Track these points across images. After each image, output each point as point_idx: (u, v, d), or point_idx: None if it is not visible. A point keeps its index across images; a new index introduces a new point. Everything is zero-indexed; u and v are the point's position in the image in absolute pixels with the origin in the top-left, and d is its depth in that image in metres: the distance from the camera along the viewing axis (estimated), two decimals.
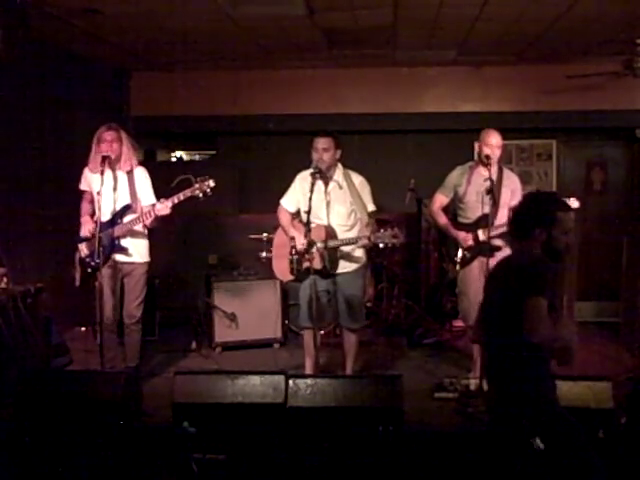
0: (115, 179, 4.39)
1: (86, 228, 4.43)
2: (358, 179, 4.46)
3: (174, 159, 9.09)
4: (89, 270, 4.41)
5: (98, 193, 4.15)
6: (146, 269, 4.56)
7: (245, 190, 7.28)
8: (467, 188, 4.60)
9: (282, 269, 4.52)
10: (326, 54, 6.42)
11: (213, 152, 8.35)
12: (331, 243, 4.26)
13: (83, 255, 4.46)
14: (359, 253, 4.46)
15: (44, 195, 5.62)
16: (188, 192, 4.24)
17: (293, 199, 4.51)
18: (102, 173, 4.20)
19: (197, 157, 9.50)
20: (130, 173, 4.47)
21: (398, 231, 4.03)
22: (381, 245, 4.07)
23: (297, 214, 4.52)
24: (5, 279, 4.27)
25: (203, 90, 7.17)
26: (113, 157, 4.35)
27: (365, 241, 4.18)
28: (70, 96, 6.14)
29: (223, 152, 7.80)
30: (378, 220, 4.57)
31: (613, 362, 5.09)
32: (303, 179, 4.43)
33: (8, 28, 3.99)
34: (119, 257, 4.42)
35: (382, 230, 4.06)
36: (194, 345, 5.72)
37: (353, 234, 4.38)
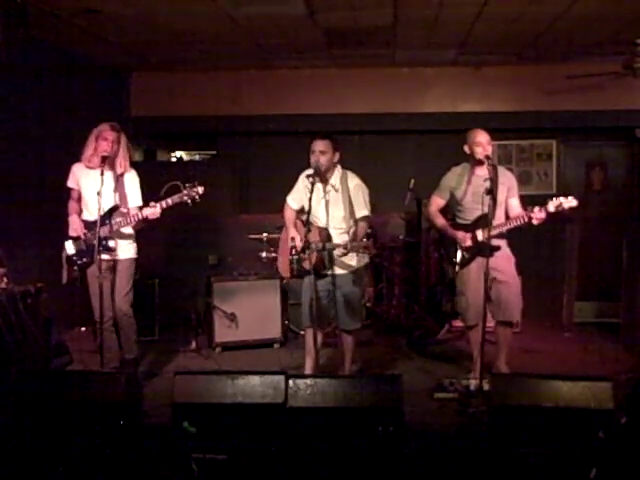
0: (116, 179, 4.42)
1: (74, 228, 4.45)
2: (353, 182, 4.40)
3: (174, 159, 9.09)
4: (75, 268, 4.43)
5: (98, 193, 4.16)
6: (129, 264, 4.57)
7: (245, 190, 7.28)
8: (467, 189, 4.58)
9: (282, 265, 4.60)
10: (326, 54, 6.42)
11: (213, 152, 8.36)
12: (328, 245, 4.24)
13: (70, 253, 4.47)
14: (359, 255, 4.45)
15: (44, 195, 5.61)
16: (176, 198, 4.30)
17: (297, 197, 4.53)
18: (102, 173, 4.21)
19: (197, 157, 9.50)
20: (121, 175, 4.50)
21: (369, 242, 4.00)
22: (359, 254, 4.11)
23: (301, 212, 4.53)
24: (5, 279, 4.26)
25: (203, 90, 7.18)
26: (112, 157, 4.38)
27: (342, 250, 4.10)
28: (70, 96, 6.14)
29: (223, 152, 7.81)
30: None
31: (613, 362, 5.09)
32: (306, 177, 4.43)
33: (8, 28, 3.99)
34: (104, 256, 4.40)
35: (354, 241, 4.07)
36: (194, 345, 5.72)
37: (349, 237, 4.36)
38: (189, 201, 4.28)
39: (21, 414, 3.31)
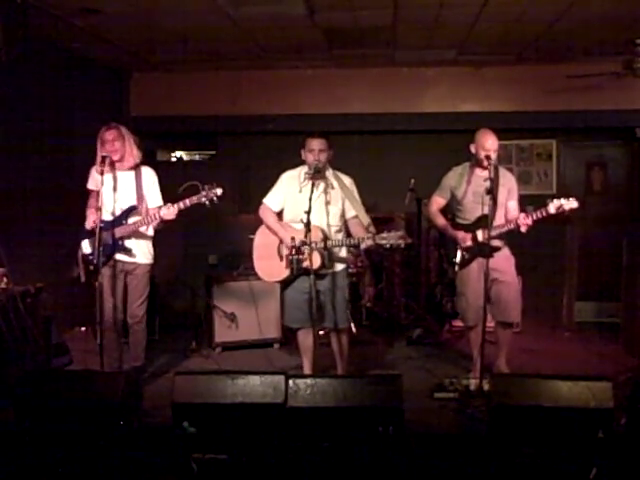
0: (115, 179, 4.38)
1: (91, 219, 4.40)
2: (348, 180, 4.42)
3: (174, 159, 9.08)
4: (91, 268, 4.42)
5: (98, 193, 4.16)
6: (149, 269, 4.57)
7: (245, 190, 7.27)
8: (467, 189, 4.58)
9: (268, 270, 4.47)
10: (326, 54, 6.42)
11: (213, 152, 8.35)
12: (331, 243, 4.24)
13: (86, 252, 4.46)
14: (344, 253, 4.44)
15: (44, 195, 5.61)
16: (195, 199, 4.23)
17: (279, 198, 4.44)
18: (102, 173, 4.21)
19: (197, 157, 9.49)
20: (137, 171, 4.47)
21: (404, 232, 3.99)
22: (387, 246, 4.00)
23: (279, 214, 4.47)
24: (5, 279, 4.26)
25: (203, 90, 7.17)
26: (116, 157, 4.36)
27: (370, 242, 4.08)
28: (70, 96, 6.14)
29: (223, 152, 7.81)
30: (374, 219, 4.52)
31: (613, 362, 5.09)
32: (291, 178, 4.41)
33: (8, 28, 4.00)
34: (121, 257, 4.42)
35: (386, 231, 4.01)
36: (194, 345, 5.72)
37: (342, 235, 4.36)
38: (207, 203, 4.20)
39: (21, 414, 3.31)
